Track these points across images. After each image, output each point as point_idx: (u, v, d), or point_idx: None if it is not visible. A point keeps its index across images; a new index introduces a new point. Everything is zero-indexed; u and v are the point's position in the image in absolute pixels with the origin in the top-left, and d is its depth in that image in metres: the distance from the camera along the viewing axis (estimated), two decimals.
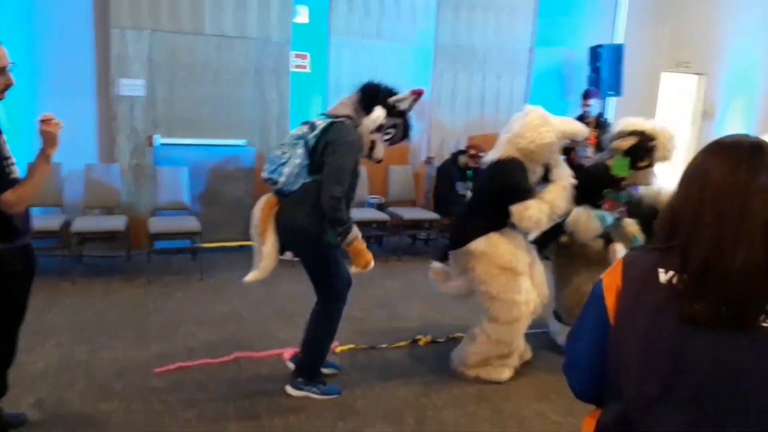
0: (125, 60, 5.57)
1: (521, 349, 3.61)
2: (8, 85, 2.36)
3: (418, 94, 3.17)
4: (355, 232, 3.03)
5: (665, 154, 3.58)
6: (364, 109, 3.09)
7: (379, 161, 3.27)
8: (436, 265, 3.79)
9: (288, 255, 5.46)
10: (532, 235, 3.62)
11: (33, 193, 2.43)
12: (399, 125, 3.18)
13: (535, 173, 3.46)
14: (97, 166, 5.52)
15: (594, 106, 6.40)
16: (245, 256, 5.78)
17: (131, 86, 5.62)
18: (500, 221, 3.41)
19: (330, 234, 2.97)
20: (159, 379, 3.33)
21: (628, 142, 3.56)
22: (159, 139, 5.71)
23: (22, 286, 2.56)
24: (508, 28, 7.01)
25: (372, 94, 3.12)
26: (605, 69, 7.00)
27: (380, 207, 6.39)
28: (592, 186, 3.69)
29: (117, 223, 5.11)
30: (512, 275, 3.38)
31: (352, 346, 3.84)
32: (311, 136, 3.02)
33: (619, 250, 3.64)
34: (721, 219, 1.14)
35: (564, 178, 3.47)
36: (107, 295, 4.63)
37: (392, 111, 3.12)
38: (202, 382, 3.32)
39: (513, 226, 3.42)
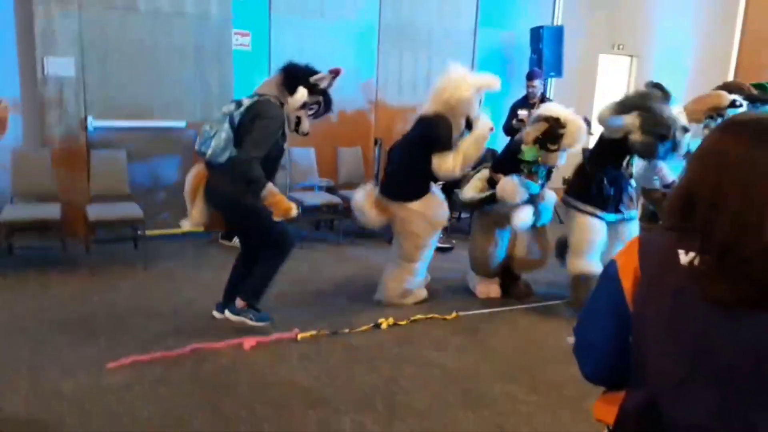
0: (51, 37, 5.15)
1: (427, 278, 4.49)
2: None
3: (336, 73, 3.58)
4: (270, 187, 3.37)
5: (571, 142, 4.09)
6: (287, 89, 3.47)
7: (305, 134, 3.70)
8: (370, 187, 4.38)
9: (235, 242, 5.34)
10: (467, 196, 4.39)
11: None
12: (321, 101, 3.59)
13: (458, 126, 4.05)
14: (24, 151, 5.12)
15: (538, 86, 6.51)
16: (189, 243, 5.63)
17: (59, 65, 5.22)
18: (428, 179, 4.10)
19: (253, 195, 3.34)
20: (113, 376, 3.14)
21: (538, 130, 4.05)
22: (93, 122, 5.36)
23: None
24: (452, 8, 6.98)
25: (294, 75, 3.50)
26: (547, 50, 7.11)
27: (330, 190, 6.28)
28: (514, 160, 4.25)
29: (50, 211, 4.76)
30: (437, 227, 4.27)
31: (313, 332, 3.75)
32: (237, 113, 3.39)
33: (524, 209, 4.19)
34: (743, 198, 1.13)
35: (480, 128, 4.04)
36: (45, 290, 4.32)
37: (314, 89, 3.51)
38: (159, 377, 3.16)
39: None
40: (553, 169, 4.42)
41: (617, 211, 4.24)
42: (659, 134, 3.96)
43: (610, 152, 4.16)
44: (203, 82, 5.79)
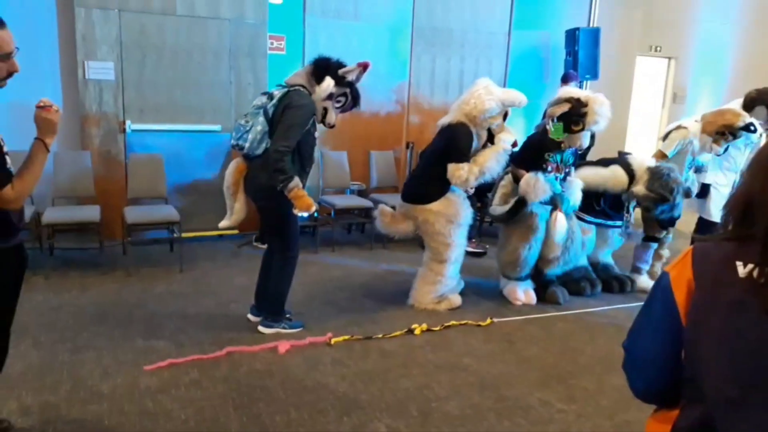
0: (92, 41, 5.27)
1: (461, 284, 4.48)
2: (12, 72, 2.18)
3: (364, 67, 3.61)
4: (296, 181, 3.41)
5: (596, 119, 4.09)
6: (315, 80, 3.52)
7: (332, 126, 3.72)
8: (385, 208, 4.42)
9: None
10: (497, 210, 4.49)
11: (32, 187, 2.26)
12: (348, 94, 3.63)
13: (480, 138, 4.10)
14: (65, 154, 5.23)
15: (573, 87, 6.41)
16: (224, 245, 5.69)
17: (99, 69, 5.33)
18: (447, 181, 4.08)
19: (278, 185, 3.39)
20: (150, 378, 3.18)
21: (561, 108, 4.08)
22: (131, 125, 5.45)
23: (16, 284, 2.39)
24: (485, 10, 6.93)
25: (323, 66, 3.56)
26: (582, 52, 7.01)
27: (362, 193, 6.28)
28: (536, 152, 4.26)
29: (90, 213, 4.86)
30: (460, 227, 4.21)
31: (347, 337, 3.75)
32: (270, 105, 3.47)
33: (560, 218, 4.25)
34: None
35: (500, 143, 4.07)
36: (84, 290, 4.41)
37: (341, 81, 3.56)
38: (195, 380, 3.18)
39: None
40: (577, 154, 4.44)
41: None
42: (662, 196, 4.35)
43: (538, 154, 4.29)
44: (238, 85, 5.85)
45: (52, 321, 3.84)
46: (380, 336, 3.81)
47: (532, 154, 4.29)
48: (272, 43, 5.99)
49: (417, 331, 3.89)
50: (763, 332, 1.11)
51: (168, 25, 5.52)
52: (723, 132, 4.53)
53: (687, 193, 4.55)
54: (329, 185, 6.09)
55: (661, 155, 4.72)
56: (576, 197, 4.39)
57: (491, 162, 4.02)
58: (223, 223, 3.80)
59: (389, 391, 3.16)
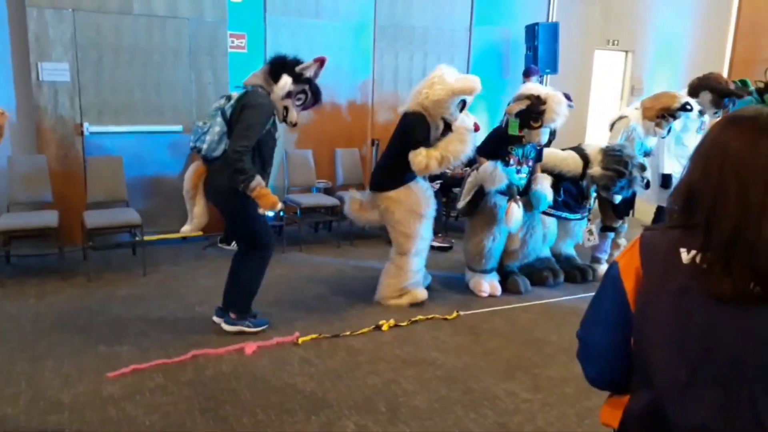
0: (45, 42, 5.12)
1: (428, 278, 4.50)
2: None
3: (321, 62, 3.58)
4: (258, 180, 3.35)
5: (553, 117, 4.14)
6: (272, 78, 3.48)
7: (294, 125, 3.67)
8: (355, 194, 4.43)
9: (234, 245, 5.34)
10: (460, 204, 4.50)
11: None
12: (307, 91, 3.58)
13: (438, 128, 4.05)
14: (21, 159, 5.09)
15: (535, 83, 6.51)
16: (189, 247, 5.61)
17: (54, 71, 5.19)
18: (407, 168, 4.02)
19: (239, 186, 3.33)
20: (113, 385, 3.12)
21: (519, 105, 4.14)
22: (89, 128, 5.33)
23: None
24: (446, 7, 6.95)
25: (279, 65, 3.52)
26: (542, 47, 7.11)
27: (328, 191, 6.27)
28: (499, 144, 4.32)
29: (48, 218, 4.73)
30: (421, 218, 4.17)
31: (314, 336, 3.74)
32: (227, 106, 3.45)
33: (513, 208, 4.27)
34: (745, 191, 1.12)
35: (459, 128, 4.03)
36: (43, 297, 4.30)
37: (299, 78, 3.52)
38: (160, 384, 3.14)
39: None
40: (538, 150, 4.49)
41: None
42: (617, 171, 4.48)
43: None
44: (199, 85, 5.76)
45: (9, 330, 3.74)
46: (348, 333, 3.81)
47: (495, 146, 4.34)
48: (233, 42, 5.92)
49: (384, 327, 3.90)
50: (707, 315, 1.14)
51: (125, 24, 5.40)
52: (663, 115, 4.76)
53: (642, 167, 4.64)
54: (295, 184, 6.06)
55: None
56: (549, 193, 4.46)
57: (453, 144, 3.96)
58: (184, 229, 3.78)
59: (357, 389, 3.17)
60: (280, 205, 3.47)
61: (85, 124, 5.32)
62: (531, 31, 7.18)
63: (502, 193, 4.32)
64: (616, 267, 1.28)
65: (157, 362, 3.35)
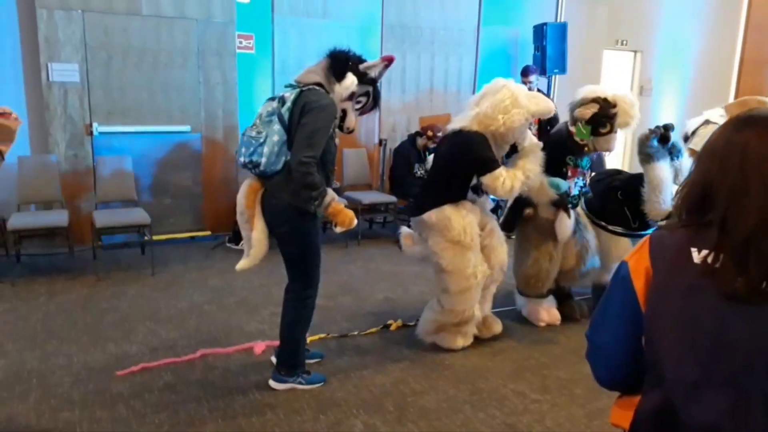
0: (55, 43, 5.16)
1: (477, 318, 3.65)
2: None
3: (389, 61, 3.12)
4: (331, 194, 2.96)
5: (627, 120, 3.69)
6: (334, 76, 2.96)
7: (350, 131, 3.19)
8: (406, 229, 3.82)
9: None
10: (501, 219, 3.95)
11: None
12: (369, 93, 3.11)
13: (501, 149, 3.52)
14: (30, 159, 5.12)
15: (534, 82, 6.50)
16: (196, 247, 5.63)
17: (64, 71, 5.22)
18: (457, 193, 3.49)
19: (311, 204, 2.86)
20: (122, 383, 3.13)
21: (591, 110, 3.65)
22: (98, 128, 5.36)
23: None
24: (454, 7, 6.96)
25: (342, 60, 2.99)
26: (550, 47, 7.09)
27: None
28: (556, 154, 3.77)
29: (58, 218, 4.76)
30: (461, 248, 3.44)
31: (323, 335, 3.74)
32: (284, 109, 2.87)
33: (563, 219, 3.82)
34: (766, 190, 1.11)
35: (532, 145, 3.58)
36: (52, 296, 4.32)
37: (363, 78, 3.03)
38: (169, 383, 3.15)
39: (477, 196, 3.59)
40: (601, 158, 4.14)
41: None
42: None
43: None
44: (207, 85, 5.79)
45: (19, 329, 3.77)
46: (356, 333, 3.81)
47: (552, 157, 3.72)
48: (240, 42, 5.94)
49: (393, 327, 3.90)
50: (718, 315, 1.14)
51: (133, 25, 5.43)
52: None
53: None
54: None
55: (693, 153, 4.14)
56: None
57: (532, 164, 3.49)
58: (241, 265, 3.09)
59: (365, 388, 3.17)
60: (356, 222, 3.05)
61: (95, 125, 5.35)
62: (539, 31, 7.16)
63: (553, 204, 3.86)
64: (625, 267, 1.27)
65: (166, 361, 3.36)
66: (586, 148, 3.78)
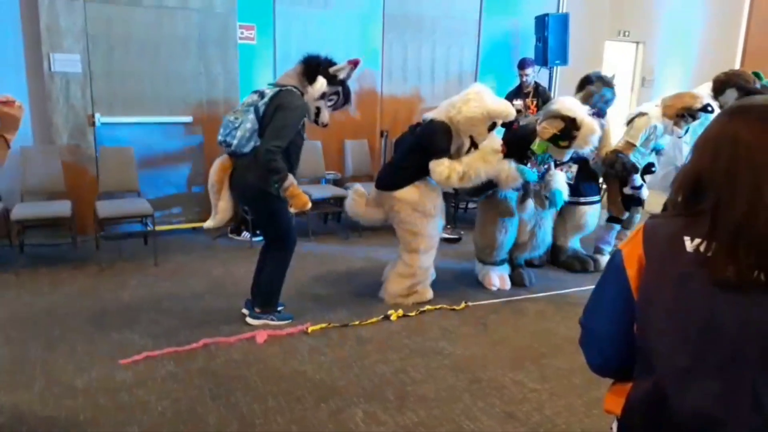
0: (57, 33, 5.16)
1: (432, 276, 4.32)
2: None
3: (354, 64, 3.59)
4: (291, 179, 3.40)
5: (582, 145, 4.07)
6: (307, 80, 3.50)
7: (325, 125, 3.71)
8: (359, 189, 4.31)
9: (245, 236, 5.39)
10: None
11: None
12: (340, 92, 3.60)
13: (462, 144, 4.00)
14: (33, 149, 5.14)
15: (531, 75, 6.49)
16: (199, 237, 5.65)
17: (66, 61, 5.23)
18: (421, 172, 4.01)
19: (273, 185, 3.37)
20: (125, 372, 3.17)
21: (554, 129, 3.98)
22: (100, 118, 5.38)
23: None
24: None
25: (314, 65, 3.52)
26: (552, 38, 7.06)
27: (337, 183, 6.29)
28: (521, 145, 4.19)
29: (61, 208, 4.79)
30: (429, 216, 4.09)
31: (324, 325, 3.77)
32: (261, 103, 3.41)
33: (529, 205, 4.37)
34: (756, 180, 1.12)
35: (487, 146, 3.99)
36: (56, 286, 4.36)
37: (333, 80, 3.53)
38: (172, 372, 3.18)
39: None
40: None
41: None
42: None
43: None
44: (208, 76, 5.79)
45: (23, 318, 3.80)
46: (357, 323, 3.84)
47: (516, 147, 4.19)
48: (242, 33, 5.93)
49: (393, 317, 3.93)
50: (710, 303, 1.15)
51: (135, 15, 5.43)
52: (683, 114, 4.63)
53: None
54: (304, 175, 6.06)
55: (629, 146, 4.73)
56: (565, 190, 4.46)
57: (477, 163, 3.93)
58: (207, 224, 3.74)
59: (366, 377, 3.20)
60: (309, 205, 3.49)
61: (97, 115, 5.37)
62: (541, 21, 7.13)
63: (516, 189, 4.30)
64: (619, 255, 1.29)
65: (169, 350, 3.40)
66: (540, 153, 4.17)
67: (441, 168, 3.88)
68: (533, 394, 3.08)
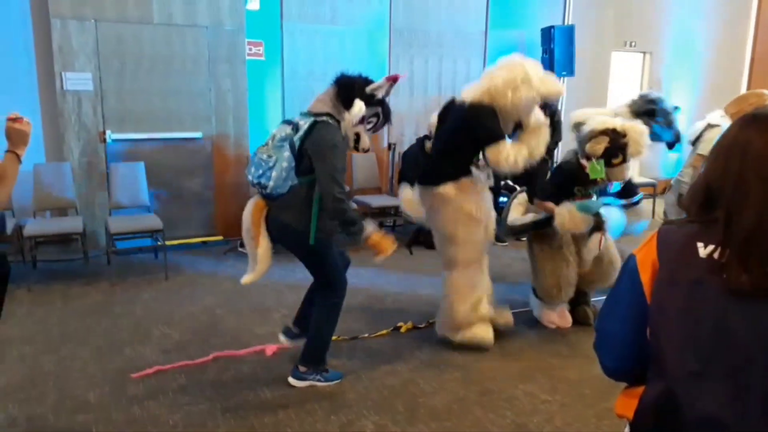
0: (69, 52, 5.26)
1: (489, 291, 3.74)
2: None
3: (393, 80, 3.14)
4: (371, 227, 3.03)
5: (638, 149, 3.64)
6: (342, 104, 3.04)
7: (366, 151, 3.32)
8: (408, 192, 3.96)
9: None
10: (516, 219, 4.02)
11: (5, 199, 2.26)
12: (379, 113, 3.16)
13: (507, 125, 3.50)
14: (46, 166, 5.21)
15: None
16: (208, 252, 5.69)
17: (77, 80, 5.31)
18: (464, 166, 3.55)
19: (349, 237, 3.01)
20: (136, 386, 3.19)
21: (602, 144, 3.60)
22: (111, 135, 5.45)
23: None
24: (462, 11, 7.00)
25: (348, 88, 3.06)
26: (558, 50, 7.10)
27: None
28: (565, 184, 3.81)
29: (73, 224, 4.85)
30: (474, 222, 3.55)
31: (334, 337, 3.75)
32: (296, 138, 2.97)
33: (594, 240, 3.88)
34: (766, 189, 1.14)
35: (538, 124, 3.52)
36: (68, 301, 4.40)
37: (371, 101, 3.08)
38: (183, 385, 3.20)
39: (481, 170, 3.62)
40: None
41: None
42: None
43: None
44: (218, 92, 5.86)
45: (36, 333, 3.84)
46: (366, 335, 3.84)
47: (561, 188, 3.81)
48: (250, 49, 6.01)
49: (403, 329, 3.93)
50: (721, 309, 1.16)
51: (145, 33, 5.52)
52: None
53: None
54: None
55: (701, 158, 4.15)
56: (618, 228, 4.03)
57: (536, 140, 3.48)
58: (246, 279, 3.21)
59: (376, 389, 3.20)
60: (394, 248, 3.07)
61: (108, 132, 5.44)
62: (547, 34, 7.17)
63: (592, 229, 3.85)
64: (633, 260, 1.30)
65: (180, 363, 3.42)
66: (598, 181, 3.72)
67: (504, 153, 3.37)
68: (544, 406, 3.07)
